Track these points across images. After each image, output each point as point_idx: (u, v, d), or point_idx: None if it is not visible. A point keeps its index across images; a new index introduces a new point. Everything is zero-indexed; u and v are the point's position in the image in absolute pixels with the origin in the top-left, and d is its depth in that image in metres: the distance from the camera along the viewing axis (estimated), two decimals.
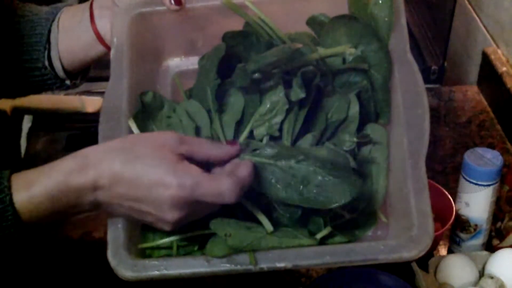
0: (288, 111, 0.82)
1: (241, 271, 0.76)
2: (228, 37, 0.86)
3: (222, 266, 0.75)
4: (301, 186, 0.76)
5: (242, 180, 0.73)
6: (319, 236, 0.78)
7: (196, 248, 0.80)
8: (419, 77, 0.84)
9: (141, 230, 0.80)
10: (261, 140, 0.83)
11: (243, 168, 0.74)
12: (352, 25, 0.86)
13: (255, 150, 0.80)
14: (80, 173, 0.73)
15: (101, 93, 1.40)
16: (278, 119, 0.82)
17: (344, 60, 0.87)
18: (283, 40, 0.88)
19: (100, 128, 0.81)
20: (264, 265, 0.76)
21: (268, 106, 0.83)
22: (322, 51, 0.86)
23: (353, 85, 0.86)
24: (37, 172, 0.75)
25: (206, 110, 0.85)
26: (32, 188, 0.74)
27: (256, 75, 0.82)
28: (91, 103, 1.40)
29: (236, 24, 0.89)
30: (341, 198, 0.75)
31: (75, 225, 1.16)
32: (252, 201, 0.79)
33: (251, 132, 0.84)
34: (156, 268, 0.75)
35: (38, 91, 1.00)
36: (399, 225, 0.80)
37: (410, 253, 0.76)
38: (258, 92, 0.84)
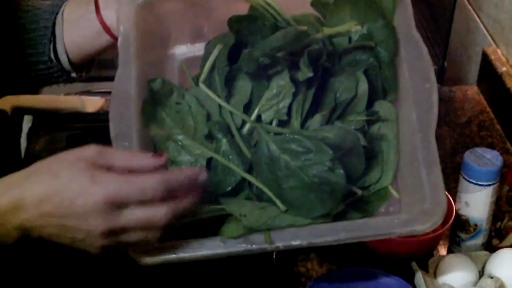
0: (295, 93, 0.82)
1: (257, 251, 0.76)
2: (234, 21, 0.86)
3: (238, 246, 0.76)
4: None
5: (169, 178, 0.71)
6: (333, 213, 0.78)
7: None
8: (425, 52, 0.84)
9: None
10: (270, 123, 0.83)
11: (175, 170, 0.73)
12: (357, 4, 0.86)
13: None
14: (1, 196, 0.71)
15: (101, 93, 1.40)
16: (285, 103, 0.83)
17: (350, 40, 0.87)
18: (288, 22, 0.88)
19: (111, 115, 0.82)
20: (279, 244, 0.76)
21: (274, 90, 0.83)
22: (327, 30, 0.86)
23: (360, 63, 0.86)
24: None
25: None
26: None
27: (262, 59, 0.82)
28: (91, 103, 1.40)
29: (241, 8, 0.89)
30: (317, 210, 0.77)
31: None
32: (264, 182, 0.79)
33: (260, 116, 0.84)
34: (173, 251, 0.75)
35: (43, 84, 1.01)
36: (411, 200, 0.81)
37: (424, 225, 0.76)
38: (266, 76, 0.84)
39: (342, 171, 0.77)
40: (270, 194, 0.78)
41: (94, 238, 0.71)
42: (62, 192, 0.70)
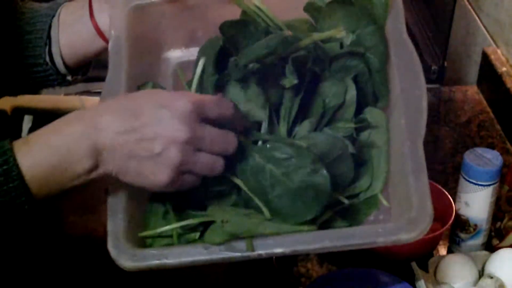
0: (283, 99, 0.82)
1: (239, 258, 0.75)
2: (226, 27, 0.85)
3: (221, 253, 0.75)
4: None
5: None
6: (319, 221, 0.77)
7: (197, 237, 0.79)
8: (415, 57, 0.84)
9: (143, 220, 0.80)
10: (259, 130, 0.83)
11: None
12: (349, 8, 0.85)
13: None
14: (79, 118, 0.74)
15: (100, 93, 1.40)
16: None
17: (341, 45, 0.86)
18: (280, 27, 0.87)
19: None
20: (262, 251, 0.75)
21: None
22: (315, 36, 0.85)
23: (350, 69, 0.85)
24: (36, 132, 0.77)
25: None
26: (31, 142, 0.74)
27: (251, 65, 0.81)
28: (91, 103, 1.40)
29: (236, 12, 0.88)
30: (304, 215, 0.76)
31: (75, 225, 1.16)
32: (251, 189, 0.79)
33: None
34: (156, 258, 0.74)
35: (40, 87, 1.01)
36: (400, 208, 0.79)
37: (410, 235, 0.75)
38: (256, 82, 0.83)
39: (325, 172, 0.76)
40: (257, 200, 0.77)
41: (174, 149, 0.72)
42: (144, 103, 0.73)
